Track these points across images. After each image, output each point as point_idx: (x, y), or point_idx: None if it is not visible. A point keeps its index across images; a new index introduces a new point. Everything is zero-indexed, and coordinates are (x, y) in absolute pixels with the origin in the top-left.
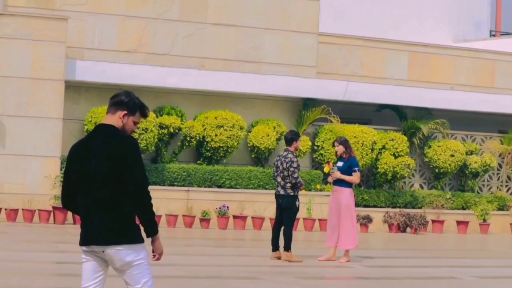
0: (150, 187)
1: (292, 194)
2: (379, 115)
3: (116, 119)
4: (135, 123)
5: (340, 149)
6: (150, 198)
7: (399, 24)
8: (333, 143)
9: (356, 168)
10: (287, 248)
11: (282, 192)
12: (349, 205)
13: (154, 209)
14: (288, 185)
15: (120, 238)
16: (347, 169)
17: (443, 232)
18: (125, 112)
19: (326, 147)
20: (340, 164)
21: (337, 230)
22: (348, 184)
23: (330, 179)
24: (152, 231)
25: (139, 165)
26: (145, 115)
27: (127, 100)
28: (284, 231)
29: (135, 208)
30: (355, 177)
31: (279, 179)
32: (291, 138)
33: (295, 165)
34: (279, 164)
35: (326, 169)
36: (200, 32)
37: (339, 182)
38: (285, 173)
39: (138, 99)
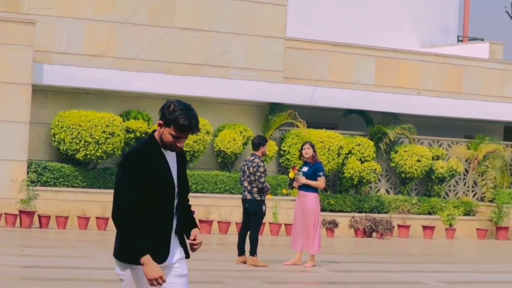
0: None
1: (258, 198)
2: (345, 120)
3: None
4: (174, 137)
5: (309, 152)
6: (121, 221)
7: (367, 30)
8: (302, 146)
9: (321, 173)
10: (253, 252)
11: (248, 196)
12: (314, 210)
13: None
14: (255, 189)
15: (114, 252)
16: (313, 174)
17: (409, 237)
18: (160, 121)
19: (292, 152)
20: (305, 169)
21: (302, 234)
22: (313, 189)
23: (295, 184)
24: (124, 257)
25: (116, 185)
26: (182, 130)
27: (161, 109)
28: (250, 236)
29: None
30: (320, 182)
31: (245, 184)
32: (258, 143)
33: (261, 169)
34: (245, 169)
35: (291, 174)
36: (168, 36)
37: (304, 187)
38: (252, 177)
39: (177, 112)
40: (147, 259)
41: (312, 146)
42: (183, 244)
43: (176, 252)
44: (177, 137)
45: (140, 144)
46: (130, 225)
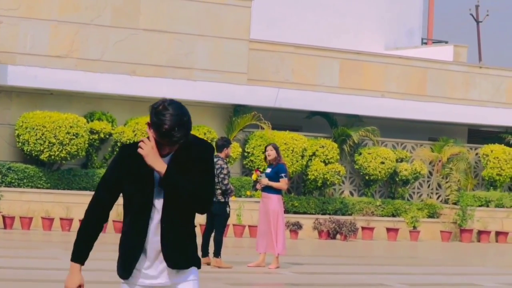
0: (79, 193)
1: (222, 200)
2: (309, 122)
3: None
4: (156, 142)
5: (273, 153)
6: (82, 219)
7: (332, 32)
8: (265, 148)
9: (283, 174)
10: (217, 254)
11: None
12: (277, 211)
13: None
14: (219, 191)
15: None
16: (275, 176)
17: (373, 239)
18: (148, 121)
19: (256, 154)
20: (268, 170)
21: (266, 236)
22: (276, 191)
23: (258, 186)
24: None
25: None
26: (161, 136)
27: (150, 109)
28: (214, 237)
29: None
30: (282, 184)
31: None
32: (222, 144)
33: (225, 171)
34: None
35: (254, 176)
36: (132, 38)
37: (267, 189)
38: (215, 179)
39: (160, 115)
40: (72, 266)
41: (276, 148)
42: (184, 261)
43: (161, 271)
44: (159, 143)
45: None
46: (83, 225)
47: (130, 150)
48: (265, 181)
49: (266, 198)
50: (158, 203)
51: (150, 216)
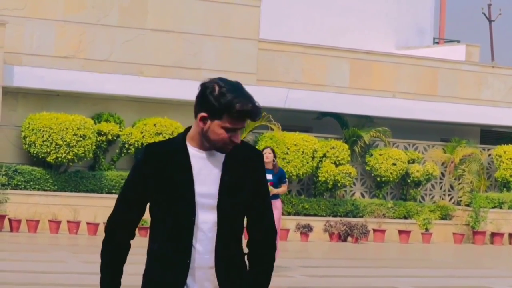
0: (87, 195)
1: None
2: (320, 123)
3: (195, 124)
4: (229, 131)
5: (270, 156)
6: (103, 240)
7: (342, 31)
8: (262, 150)
9: (285, 179)
10: None
11: None
12: (279, 216)
13: (92, 217)
14: None
15: None
16: (278, 182)
17: (384, 242)
18: (203, 114)
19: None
20: (269, 176)
21: None
22: (278, 196)
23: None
24: None
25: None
26: (241, 118)
27: (200, 96)
28: None
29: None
30: (285, 188)
31: None
32: None
33: None
34: None
35: None
36: (139, 38)
37: (272, 196)
38: None
39: (228, 95)
40: None
41: (273, 151)
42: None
43: None
44: (234, 129)
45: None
46: (105, 256)
47: (158, 148)
48: (275, 190)
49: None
50: (204, 220)
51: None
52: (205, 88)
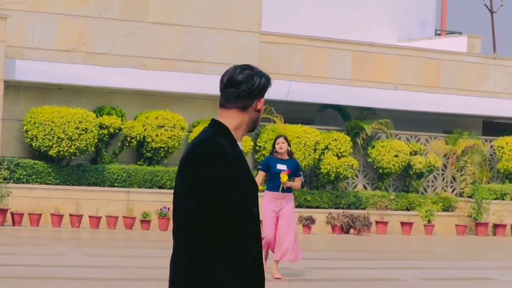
0: (89, 188)
1: None
2: (322, 115)
3: (243, 114)
4: (258, 112)
5: (285, 146)
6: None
7: (344, 24)
8: (275, 140)
9: (300, 172)
10: None
11: None
12: (292, 210)
13: (94, 210)
14: None
15: None
16: (293, 173)
17: (387, 233)
18: (242, 102)
19: (268, 148)
20: (283, 167)
21: (285, 240)
22: (292, 189)
23: (286, 185)
24: None
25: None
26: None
27: (245, 83)
28: None
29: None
30: (299, 183)
31: None
32: None
33: None
34: None
35: (285, 178)
36: (141, 31)
37: (288, 188)
38: None
39: (263, 78)
40: None
41: (287, 139)
42: None
43: None
44: (259, 110)
45: (213, 136)
46: None
47: (227, 149)
48: (289, 183)
49: (285, 198)
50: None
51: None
52: (254, 75)
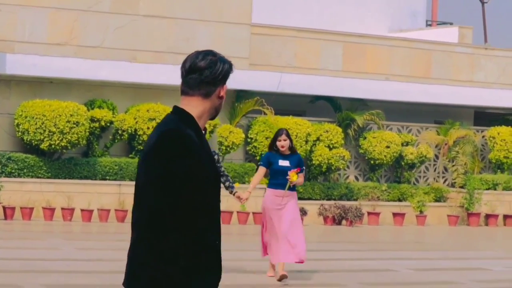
0: (81, 182)
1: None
2: (313, 106)
3: (206, 101)
4: (221, 99)
5: (286, 143)
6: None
7: (334, 15)
8: (276, 134)
9: (304, 168)
10: None
11: None
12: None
13: (86, 203)
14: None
15: (130, 283)
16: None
17: (379, 224)
18: (206, 89)
19: (260, 139)
20: (286, 163)
21: (282, 240)
22: (295, 187)
23: (293, 184)
24: None
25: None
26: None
27: (207, 70)
28: None
29: None
30: (302, 179)
31: None
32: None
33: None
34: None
35: (294, 178)
36: (132, 24)
37: (293, 186)
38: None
39: (226, 63)
40: None
41: (289, 135)
42: None
43: None
44: (222, 96)
45: (180, 126)
46: None
47: (195, 139)
48: (301, 179)
49: (289, 196)
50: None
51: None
52: (217, 61)
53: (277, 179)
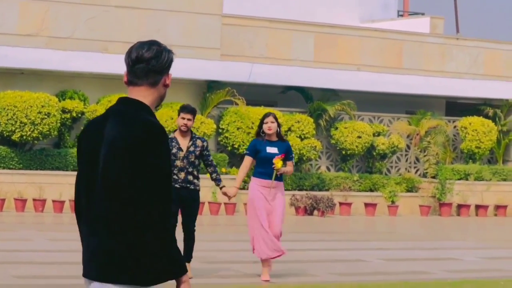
0: (52, 173)
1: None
2: (284, 97)
3: (153, 90)
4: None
5: (274, 126)
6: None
7: (306, 5)
8: (263, 118)
9: (292, 155)
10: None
11: None
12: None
13: (58, 194)
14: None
15: (116, 275)
16: (285, 157)
17: (350, 215)
18: (158, 77)
19: (231, 130)
20: (274, 150)
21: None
22: (282, 177)
23: (280, 172)
24: (178, 271)
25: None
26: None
27: (158, 60)
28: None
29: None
30: (291, 168)
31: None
32: None
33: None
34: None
35: (280, 164)
36: (103, 15)
37: (280, 175)
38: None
39: (171, 52)
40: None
41: (276, 118)
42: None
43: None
44: (167, 85)
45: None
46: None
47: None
48: (283, 169)
49: (277, 187)
50: None
51: None
52: (163, 50)
53: (264, 167)
